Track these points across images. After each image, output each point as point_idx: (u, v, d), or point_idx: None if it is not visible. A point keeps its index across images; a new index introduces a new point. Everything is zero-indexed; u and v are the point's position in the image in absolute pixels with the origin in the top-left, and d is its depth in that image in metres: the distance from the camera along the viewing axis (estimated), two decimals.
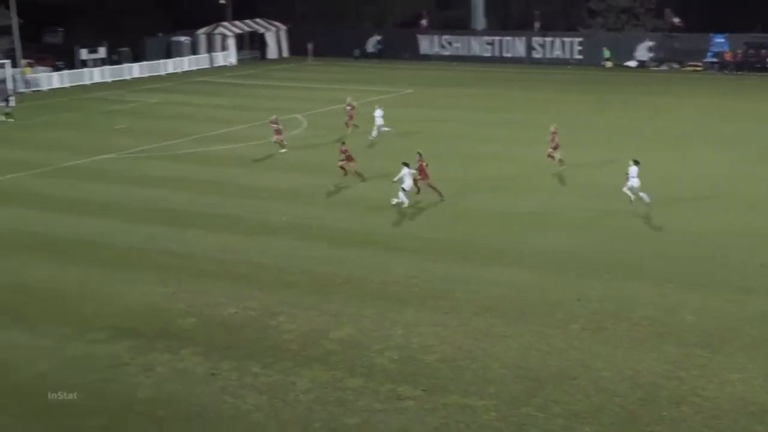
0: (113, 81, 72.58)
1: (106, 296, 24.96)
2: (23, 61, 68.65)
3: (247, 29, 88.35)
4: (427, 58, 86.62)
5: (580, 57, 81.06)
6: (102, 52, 78.01)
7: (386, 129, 47.00)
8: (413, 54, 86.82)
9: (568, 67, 79.72)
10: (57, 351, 21.42)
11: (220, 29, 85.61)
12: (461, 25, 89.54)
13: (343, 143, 38.19)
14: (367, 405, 18.70)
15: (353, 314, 23.50)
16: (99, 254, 28.73)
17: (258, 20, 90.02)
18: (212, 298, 24.73)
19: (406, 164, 33.55)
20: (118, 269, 27.20)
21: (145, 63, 77.46)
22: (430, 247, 29.04)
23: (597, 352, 20.98)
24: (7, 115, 54.38)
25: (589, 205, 33.65)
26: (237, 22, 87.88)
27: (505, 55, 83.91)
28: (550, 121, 41.28)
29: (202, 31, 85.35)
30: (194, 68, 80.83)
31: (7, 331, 22.59)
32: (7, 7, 71.33)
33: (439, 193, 34.51)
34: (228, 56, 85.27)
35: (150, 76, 75.47)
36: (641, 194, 32.61)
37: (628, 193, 32.84)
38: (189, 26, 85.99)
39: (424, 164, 34.64)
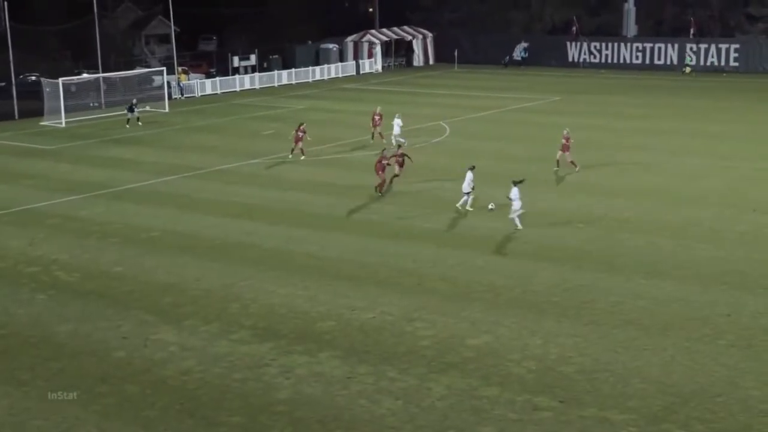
0: (262, 88, 74.47)
1: (250, 296, 25.56)
2: (179, 68, 71.23)
3: (394, 37, 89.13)
4: (575, 65, 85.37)
5: (735, 64, 78.21)
6: (253, 59, 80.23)
7: (401, 140, 45.99)
8: (561, 61, 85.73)
9: (724, 75, 77.03)
10: (202, 349, 22.05)
11: (368, 37, 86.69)
12: (612, 32, 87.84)
13: (399, 147, 38.31)
14: (503, 414, 18.47)
15: (492, 322, 23.30)
16: (243, 255, 29.47)
17: (405, 28, 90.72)
18: (351, 301, 24.98)
19: (471, 168, 33.71)
20: (262, 270, 27.82)
21: (293, 70, 79.16)
22: (576, 256, 28.53)
23: (745, 369, 20.11)
24: (136, 119, 56.43)
25: (744, 217, 32.40)
26: (384, 30, 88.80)
27: (657, 62, 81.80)
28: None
29: (349, 39, 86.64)
30: (341, 75, 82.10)
31: (155, 327, 23.41)
32: (167, 17, 74.22)
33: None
34: (374, 63, 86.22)
35: (298, 83, 77.09)
36: None
37: None
38: (337, 34, 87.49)
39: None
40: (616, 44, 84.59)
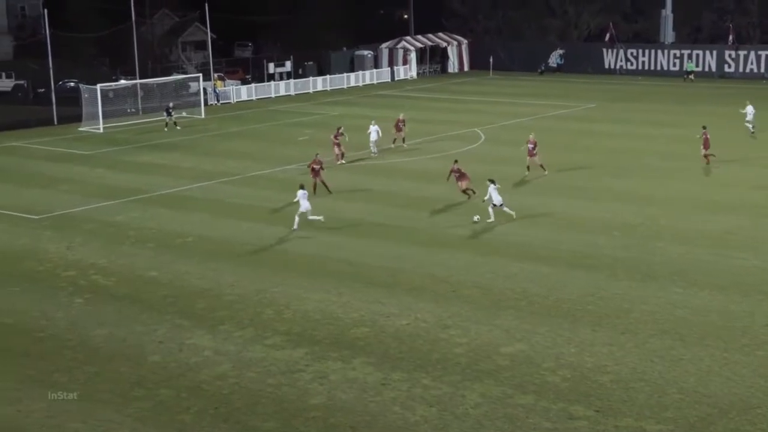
0: (297, 94, 74.73)
1: (284, 302, 25.63)
2: (215, 75, 71.69)
3: (429, 43, 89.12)
4: (611, 72, 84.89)
5: None
6: (288, 65, 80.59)
7: (374, 150, 46.27)
8: (597, 68, 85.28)
9: (764, 81, 76.23)
10: (237, 353, 22.13)
11: (403, 43, 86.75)
12: (649, 39, 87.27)
13: (456, 161, 37.54)
14: (538, 423, 18.36)
15: (526, 330, 23.19)
16: (278, 261, 29.56)
17: (440, 34, 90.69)
18: (385, 308, 24.97)
19: (491, 181, 33.32)
20: (296, 276, 27.88)
21: (328, 76, 79.39)
22: (611, 265, 28.33)
23: None
24: (174, 124, 56.83)
25: None
26: (419, 36, 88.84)
27: (694, 69, 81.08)
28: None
29: (384, 45, 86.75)
30: (375, 82, 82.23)
31: (189, 332, 23.54)
32: (203, 24, 74.73)
33: (470, 194, 35.95)
34: (409, 70, 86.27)
35: (332, 90, 77.29)
36: None
37: None
38: (372, 40, 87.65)
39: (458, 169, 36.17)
40: (653, 51, 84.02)
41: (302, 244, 31.33)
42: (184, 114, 62.68)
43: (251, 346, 22.57)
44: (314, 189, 37.12)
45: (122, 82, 66.31)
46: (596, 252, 29.80)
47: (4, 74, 73.16)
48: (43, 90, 65.56)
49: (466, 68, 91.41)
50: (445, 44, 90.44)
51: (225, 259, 29.90)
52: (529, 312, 24.53)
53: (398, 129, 48.69)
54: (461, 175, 36.75)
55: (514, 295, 25.83)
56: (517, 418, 18.59)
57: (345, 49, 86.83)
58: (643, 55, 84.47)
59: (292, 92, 75.03)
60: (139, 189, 40.16)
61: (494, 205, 33.15)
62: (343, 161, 44.34)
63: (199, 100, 64.28)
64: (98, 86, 57.48)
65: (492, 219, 33.13)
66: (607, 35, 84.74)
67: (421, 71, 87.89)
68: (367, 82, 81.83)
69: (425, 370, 20.92)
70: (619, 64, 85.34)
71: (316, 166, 37.93)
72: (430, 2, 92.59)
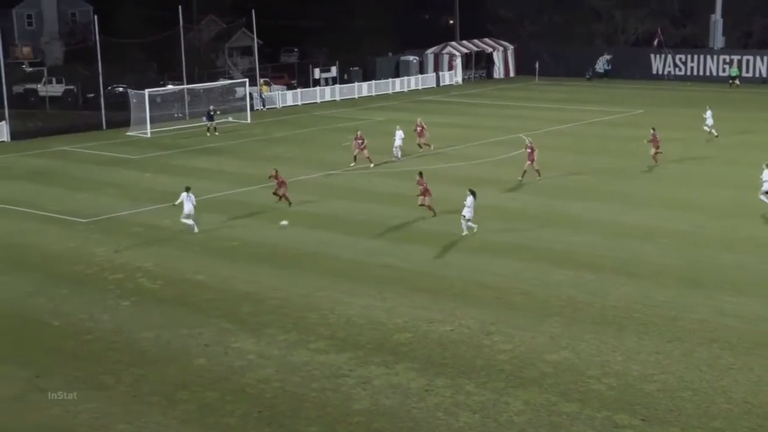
0: (342, 99, 74.96)
1: (329, 307, 25.68)
2: (261, 80, 72.17)
3: (475, 49, 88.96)
4: (659, 77, 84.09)
5: None
6: (333, 71, 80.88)
7: (399, 156, 46.74)
8: (645, 74, 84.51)
9: None
10: (281, 358, 22.22)
11: (448, 49, 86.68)
12: (697, 44, 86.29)
13: (421, 174, 36.01)
14: (582, 431, 18.19)
15: (571, 337, 23.01)
16: (322, 266, 29.64)
17: (486, 40, 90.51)
18: (429, 314, 24.92)
19: (471, 192, 32.26)
20: (341, 281, 27.94)
21: (373, 82, 79.55)
22: (657, 272, 28.05)
23: None
24: (213, 129, 57.23)
25: None
26: (465, 42, 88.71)
27: (744, 74, 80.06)
28: None
29: (430, 51, 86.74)
30: (421, 87, 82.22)
31: (234, 336, 23.67)
32: (250, 30, 75.30)
33: (434, 212, 34.75)
34: (454, 75, 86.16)
35: (377, 95, 77.40)
36: None
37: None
38: (418, 46, 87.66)
39: (425, 184, 34.70)
40: (702, 56, 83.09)
41: (346, 248, 31.39)
42: (230, 119, 63.18)
43: (295, 350, 22.65)
44: (281, 198, 37.09)
45: (169, 87, 67.00)
46: (642, 259, 29.50)
47: (54, 79, 74.24)
48: (92, 95, 66.43)
49: (511, 74, 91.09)
50: (490, 50, 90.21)
51: (269, 263, 30.05)
52: (574, 319, 24.34)
53: (420, 134, 48.86)
54: (426, 190, 35.17)
55: (559, 302, 25.65)
56: (562, 426, 18.45)
57: (390, 54, 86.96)
58: (692, 61, 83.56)
59: (338, 97, 75.27)
60: None
61: (463, 216, 32.10)
62: (371, 164, 44.91)
63: (245, 105, 64.72)
64: (146, 91, 58.13)
65: (465, 232, 32.28)
66: (655, 40, 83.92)
67: (466, 77, 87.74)
68: (412, 87, 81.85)
69: (469, 377, 20.84)
70: (667, 69, 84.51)
71: (280, 178, 37.28)
72: (475, 8, 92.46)
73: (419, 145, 48.87)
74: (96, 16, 64.51)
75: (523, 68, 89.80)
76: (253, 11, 70.31)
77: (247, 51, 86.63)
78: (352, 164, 45.43)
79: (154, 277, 28.75)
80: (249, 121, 62.97)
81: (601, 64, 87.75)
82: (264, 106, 70.05)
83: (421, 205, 35.08)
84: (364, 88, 77.98)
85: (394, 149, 47.26)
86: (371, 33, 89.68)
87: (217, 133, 56.88)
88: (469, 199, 32.01)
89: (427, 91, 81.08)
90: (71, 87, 73.06)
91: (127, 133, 58.23)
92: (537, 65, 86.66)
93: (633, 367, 21.16)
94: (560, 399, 19.61)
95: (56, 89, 73.21)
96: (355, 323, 24.40)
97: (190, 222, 33.42)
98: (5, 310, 25.93)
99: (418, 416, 19.06)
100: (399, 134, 47.27)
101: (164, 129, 59.14)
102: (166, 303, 26.39)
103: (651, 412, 18.88)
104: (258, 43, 73.96)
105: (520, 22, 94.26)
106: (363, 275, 28.53)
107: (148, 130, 57.66)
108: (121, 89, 66.87)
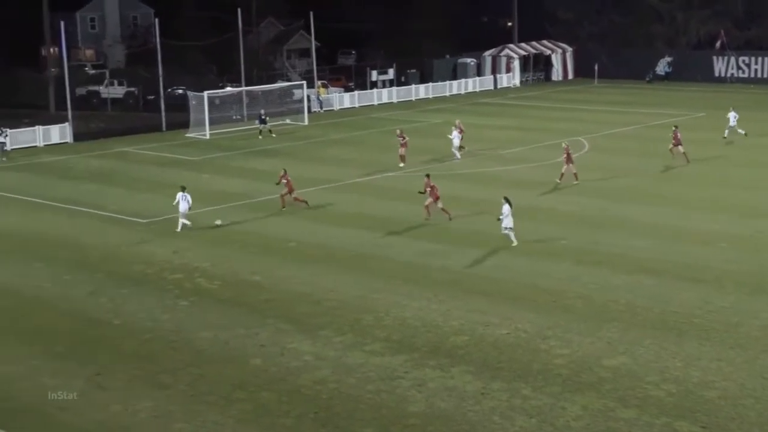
0: (400, 101, 74.96)
1: (384, 308, 25.70)
2: (318, 82, 72.49)
3: (533, 51, 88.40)
4: (721, 80, 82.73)
5: None
6: (391, 73, 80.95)
7: (458, 156, 47.07)
8: (707, 76, 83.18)
9: None
10: (337, 359, 22.28)
11: (506, 51, 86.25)
12: (762, 46, 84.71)
13: (428, 175, 35.91)
14: None
15: (629, 343, 22.74)
16: (377, 267, 29.67)
17: (544, 42, 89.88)
18: (485, 317, 24.80)
19: (506, 199, 31.20)
20: (396, 283, 27.94)
21: (430, 84, 79.44)
22: (719, 277, 27.60)
23: None
24: (268, 131, 57.53)
25: None
26: (523, 44, 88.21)
27: None
28: None
29: (488, 53, 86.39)
30: (478, 90, 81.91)
31: (290, 336, 23.80)
32: (308, 32, 75.72)
33: (449, 214, 34.76)
34: (512, 78, 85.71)
35: (435, 97, 77.28)
36: None
37: None
38: (476, 48, 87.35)
39: (432, 185, 34.64)
40: (766, 59, 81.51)
41: (402, 250, 31.38)
42: (287, 121, 63.55)
43: (351, 351, 22.69)
44: (283, 204, 37.40)
45: (228, 89, 67.62)
46: (703, 264, 29.05)
47: (116, 81, 75.42)
48: (152, 97, 67.29)
49: (570, 76, 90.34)
50: (549, 52, 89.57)
51: (326, 264, 30.16)
52: (633, 324, 24.05)
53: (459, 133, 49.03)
54: (432, 190, 35.06)
55: (617, 307, 25.36)
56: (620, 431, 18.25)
57: (448, 56, 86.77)
58: (756, 63, 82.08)
59: (395, 100, 75.32)
60: (243, 194, 40.86)
61: (505, 228, 31.04)
62: (402, 165, 45.26)
63: (303, 107, 65.05)
64: (205, 93, 58.74)
65: (515, 242, 31.34)
66: (718, 42, 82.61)
67: (524, 79, 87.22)
68: (470, 89, 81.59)
69: (525, 381, 20.70)
70: (729, 72, 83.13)
71: (286, 180, 37.33)
72: (534, 10, 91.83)
73: (460, 147, 48.90)
74: (157, 19, 65.38)
75: (582, 70, 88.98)
76: (311, 14, 70.69)
77: (304, 53, 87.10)
78: (401, 165, 45.44)
79: (211, 277, 29.03)
80: (306, 123, 63.29)
81: (662, 67, 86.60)
82: (321, 108, 70.34)
83: (427, 206, 35.14)
84: (421, 91, 77.91)
85: (453, 149, 47.57)
86: (429, 35, 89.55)
87: (273, 135, 57.19)
88: (505, 208, 30.97)
89: (484, 93, 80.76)
90: (132, 89, 74.12)
91: (186, 135, 58.88)
92: (596, 67, 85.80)
93: (693, 373, 20.84)
94: (618, 405, 19.39)
95: (118, 91, 74.34)
96: (411, 325, 24.38)
97: (187, 222, 34.18)
98: (68, 309, 26.38)
99: (473, 419, 18.97)
100: (455, 134, 47.65)
101: (222, 131, 59.69)
102: (223, 303, 26.63)
103: (712, 420, 18.58)
104: (316, 45, 74.33)
105: (579, 24, 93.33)
106: (418, 277, 28.50)
107: (207, 132, 58.25)
108: (180, 91, 67.64)
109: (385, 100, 74.93)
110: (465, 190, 40.49)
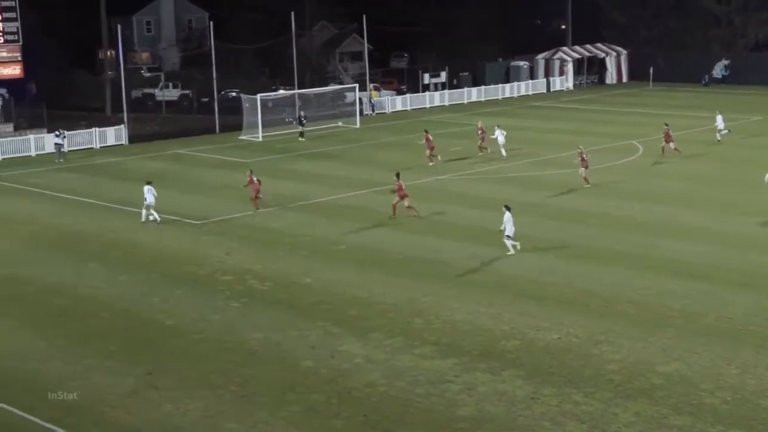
0: (451, 104, 74.78)
1: (434, 312, 25.64)
2: (370, 85, 72.62)
3: (587, 54, 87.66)
4: None
5: None
6: (443, 76, 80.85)
7: (505, 154, 48.01)
8: (765, 79, 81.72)
9: None
10: (387, 362, 22.27)
11: (560, 54, 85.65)
12: None
13: (398, 175, 36.60)
14: None
15: (683, 349, 22.42)
16: (428, 271, 29.60)
17: (598, 45, 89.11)
18: (536, 321, 24.63)
19: (507, 207, 30.83)
20: (446, 286, 27.86)
21: (483, 87, 79.17)
22: None
23: None
24: (300, 135, 57.67)
25: None
26: (577, 47, 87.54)
27: None
28: None
29: (541, 56, 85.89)
30: (530, 93, 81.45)
31: (341, 339, 23.84)
32: (360, 35, 75.90)
33: (416, 212, 35.73)
34: (565, 81, 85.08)
35: (487, 100, 77.02)
36: None
37: None
38: (529, 51, 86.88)
39: (400, 184, 35.62)
40: None
41: (452, 254, 31.29)
42: (339, 123, 63.76)
43: (401, 355, 22.67)
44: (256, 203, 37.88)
45: (281, 92, 68.00)
46: (761, 271, 28.57)
47: (171, 84, 76.24)
48: (206, 99, 67.93)
49: (624, 79, 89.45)
50: (603, 55, 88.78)
51: (377, 267, 30.18)
52: (687, 330, 23.72)
53: (482, 139, 49.89)
54: (401, 190, 35.77)
55: (671, 313, 25.03)
56: None
57: (500, 59, 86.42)
58: None
59: (447, 103, 75.17)
60: (294, 197, 41.03)
61: (507, 236, 30.70)
62: (432, 162, 46.61)
63: (355, 110, 65.22)
64: (258, 96, 59.15)
65: (512, 251, 30.91)
66: None
67: (577, 82, 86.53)
68: (522, 93, 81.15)
69: (576, 386, 20.50)
70: None
71: (254, 179, 37.99)
72: (588, 13, 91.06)
73: (480, 149, 49.96)
74: (211, 23, 66.02)
75: (637, 74, 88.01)
76: (364, 17, 70.86)
77: (357, 56, 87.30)
78: (431, 164, 46.88)
79: (263, 279, 29.20)
80: (358, 126, 63.43)
81: (719, 70, 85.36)
82: (373, 111, 70.44)
83: (394, 206, 35.88)
84: (473, 94, 77.70)
85: (501, 150, 47.81)
86: (481, 38, 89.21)
87: (302, 139, 57.31)
88: (507, 215, 30.69)
89: (537, 96, 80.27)
90: (186, 92, 74.89)
91: (240, 137, 59.34)
92: (651, 71, 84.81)
93: (749, 381, 20.49)
94: (671, 412, 19.12)
95: (172, 94, 75.14)
96: (461, 329, 24.29)
97: (153, 214, 35.74)
98: (122, 309, 26.71)
99: (523, 424, 18.84)
100: (500, 133, 48.51)
101: (275, 133, 60.04)
102: (274, 305, 26.76)
103: (767, 428, 18.23)
104: (368, 48, 74.48)
105: (634, 28, 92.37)
106: (468, 281, 28.39)
107: (260, 134, 58.64)
108: (234, 94, 68.17)
109: (437, 103, 74.81)
110: (514, 193, 40.24)
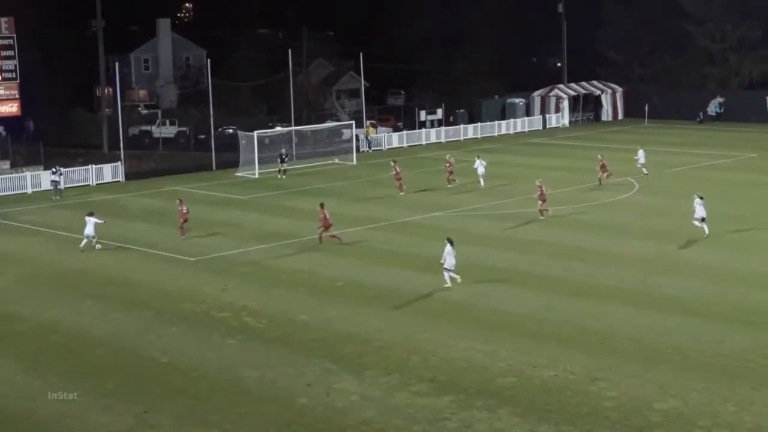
0: (448, 141, 75.04)
1: (431, 349, 25.56)
2: (367, 122, 72.91)
3: (582, 91, 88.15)
4: None
5: None
6: (439, 113, 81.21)
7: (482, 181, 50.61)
8: (760, 117, 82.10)
9: None
10: (383, 399, 22.19)
11: (556, 91, 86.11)
12: None
13: (322, 205, 38.56)
14: None
15: (681, 386, 22.36)
16: (425, 308, 29.57)
17: (594, 82, 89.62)
18: (533, 358, 24.56)
19: (449, 241, 31.33)
20: (443, 323, 27.81)
21: (479, 124, 79.51)
22: None
23: None
24: (282, 172, 57.80)
25: None
26: (573, 84, 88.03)
27: None
28: None
29: (536, 93, 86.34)
30: (526, 130, 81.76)
31: (337, 376, 23.76)
32: (357, 73, 76.37)
33: (340, 240, 37.78)
34: (561, 118, 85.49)
35: (483, 137, 77.28)
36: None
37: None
38: (525, 88, 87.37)
39: (325, 213, 37.47)
40: None
41: (450, 291, 31.25)
42: (336, 160, 63.94)
43: (397, 392, 22.58)
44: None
45: (278, 128, 68.25)
46: (758, 308, 28.55)
47: (168, 121, 76.53)
48: (203, 136, 68.14)
49: (620, 116, 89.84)
50: (598, 92, 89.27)
51: (374, 304, 30.13)
52: (684, 367, 23.66)
53: (450, 172, 51.89)
54: (325, 220, 37.70)
55: (668, 350, 24.98)
56: None
57: (497, 97, 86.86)
58: None
59: (443, 139, 75.45)
60: (291, 233, 41.05)
61: (446, 269, 31.16)
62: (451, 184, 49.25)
63: (352, 147, 65.44)
64: (255, 133, 59.35)
65: (449, 284, 31.31)
66: None
67: (573, 119, 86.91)
68: (518, 129, 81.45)
69: (573, 423, 20.42)
70: None
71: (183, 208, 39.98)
72: (584, 50, 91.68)
73: (448, 181, 51.65)
74: (209, 60, 66.40)
75: (632, 111, 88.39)
76: (360, 55, 71.35)
77: (354, 93, 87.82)
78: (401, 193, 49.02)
79: (259, 316, 29.14)
80: (355, 162, 63.59)
81: (713, 107, 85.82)
82: (370, 147, 70.66)
83: (319, 236, 37.65)
84: (469, 131, 78.00)
85: (480, 180, 50.71)
86: (478, 75, 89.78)
87: (283, 177, 57.37)
88: (447, 248, 31.13)
89: (533, 133, 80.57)
90: (184, 129, 75.11)
91: (236, 174, 59.44)
92: (646, 108, 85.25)
93: (746, 418, 20.42)
94: None
95: (169, 131, 75.37)
96: (457, 366, 24.22)
97: (92, 241, 38.03)
98: (117, 346, 26.62)
99: None
100: (479, 163, 51.26)
101: (272, 170, 60.12)
102: (270, 342, 26.69)
103: None
104: (365, 85, 74.88)
105: (630, 65, 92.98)
106: (465, 318, 28.35)
107: (257, 171, 58.76)
108: (231, 131, 68.43)
109: (433, 139, 75.09)
110: (513, 231, 40.30)
